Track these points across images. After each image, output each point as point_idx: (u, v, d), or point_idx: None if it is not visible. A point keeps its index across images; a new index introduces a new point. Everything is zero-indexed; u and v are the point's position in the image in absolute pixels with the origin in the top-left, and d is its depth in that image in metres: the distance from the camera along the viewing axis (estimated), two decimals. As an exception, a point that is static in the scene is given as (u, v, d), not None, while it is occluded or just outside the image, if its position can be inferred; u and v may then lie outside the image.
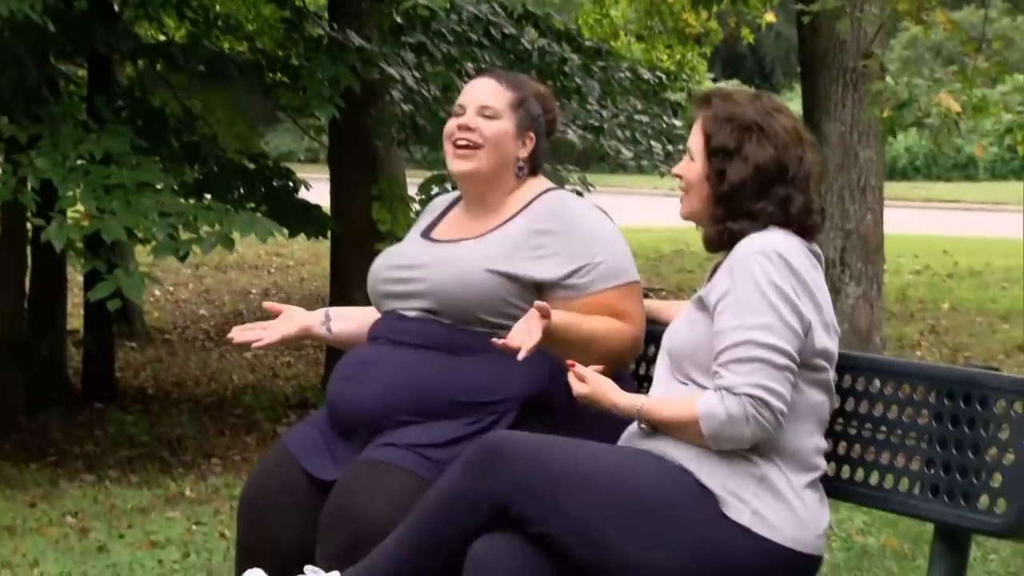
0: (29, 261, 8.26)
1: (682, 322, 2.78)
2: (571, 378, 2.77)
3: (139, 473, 6.92)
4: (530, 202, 3.02)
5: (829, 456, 2.78)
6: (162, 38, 9.69)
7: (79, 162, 6.34)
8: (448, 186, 7.16)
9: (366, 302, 3.19)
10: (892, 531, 5.09)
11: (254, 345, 3.12)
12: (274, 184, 8.25)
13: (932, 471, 2.68)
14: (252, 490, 2.98)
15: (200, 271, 14.44)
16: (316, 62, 7.21)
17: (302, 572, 2.80)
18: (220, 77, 8.31)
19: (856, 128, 7.97)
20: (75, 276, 10.10)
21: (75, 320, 9.71)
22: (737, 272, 2.65)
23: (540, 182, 3.09)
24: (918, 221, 17.95)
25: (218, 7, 9.19)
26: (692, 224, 2.85)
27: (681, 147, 8.69)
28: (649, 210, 17.45)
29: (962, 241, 16.34)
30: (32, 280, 8.47)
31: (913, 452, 2.72)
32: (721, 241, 2.75)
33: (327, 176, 8.69)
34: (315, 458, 2.94)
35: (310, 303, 9.23)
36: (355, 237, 8.17)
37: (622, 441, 2.79)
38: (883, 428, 2.77)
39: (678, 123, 9.52)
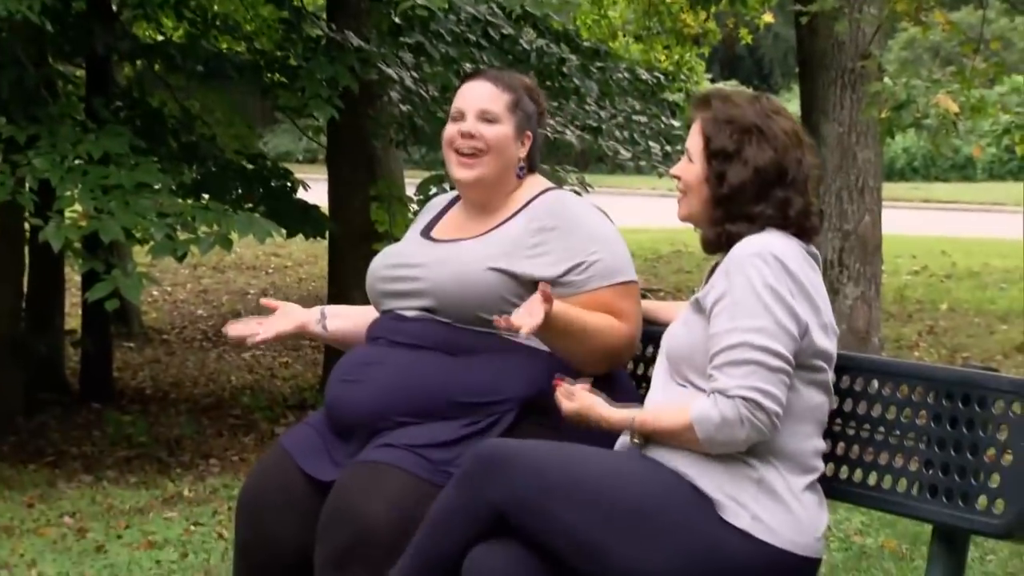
0: (27, 261, 8.26)
1: (680, 324, 2.78)
2: (558, 396, 2.76)
3: (137, 473, 6.92)
4: (529, 201, 3.02)
5: (827, 457, 2.78)
6: (160, 38, 9.69)
7: (77, 162, 6.34)
8: (446, 186, 7.16)
9: (364, 302, 3.19)
10: (890, 532, 5.09)
11: (249, 341, 3.12)
12: (272, 184, 8.25)
13: (930, 472, 2.68)
14: (250, 491, 2.98)
15: (198, 271, 14.44)
16: (314, 62, 7.20)
17: (300, 572, 2.80)
18: (218, 77, 8.31)
19: (854, 129, 7.97)
20: (73, 276, 10.10)
21: (73, 320, 9.71)
22: (733, 274, 2.65)
23: (539, 181, 3.10)
24: (916, 222, 17.96)
25: (216, 7, 9.18)
26: (690, 225, 2.85)
27: (679, 148, 8.70)
28: (647, 211, 17.46)
29: (960, 242, 16.35)
30: (30, 280, 8.46)
31: (911, 453, 2.72)
32: (719, 243, 2.75)
33: (325, 176, 8.68)
34: (313, 459, 2.94)
35: (308, 303, 9.20)
36: (353, 238, 8.17)
37: (618, 446, 2.79)
38: (881, 429, 2.77)
39: (676, 124, 9.53)
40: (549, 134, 8.20)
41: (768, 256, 2.64)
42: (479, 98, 3.03)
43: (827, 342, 2.70)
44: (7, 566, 5.04)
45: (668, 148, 9.11)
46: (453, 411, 2.87)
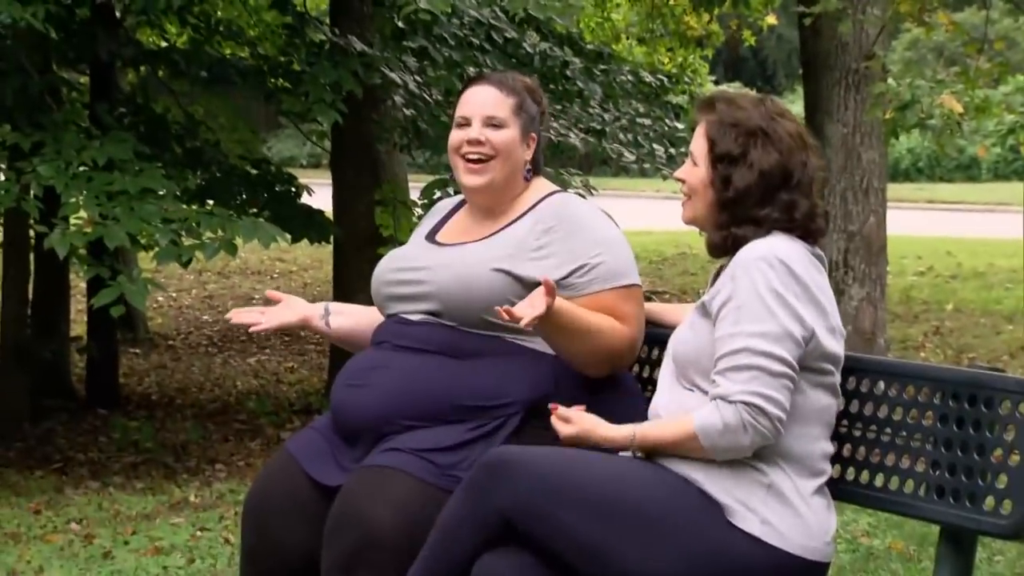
0: (32, 268, 8.27)
1: (686, 328, 2.77)
2: (555, 421, 2.75)
3: (144, 479, 6.92)
4: (535, 204, 3.02)
5: (834, 458, 2.78)
6: (164, 44, 9.70)
7: (82, 169, 6.34)
8: (450, 190, 7.16)
9: (369, 306, 3.19)
10: (898, 533, 5.09)
11: (252, 329, 3.13)
12: (276, 189, 8.25)
13: (937, 473, 2.67)
14: (256, 496, 2.98)
15: (203, 277, 14.45)
16: (318, 67, 7.20)
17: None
18: (222, 83, 8.31)
19: (859, 130, 7.97)
20: (78, 283, 10.12)
21: (78, 326, 9.71)
22: (739, 278, 2.65)
23: (544, 184, 3.10)
24: (921, 222, 17.94)
25: (220, 13, 9.19)
26: (694, 228, 2.84)
27: (683, 150, 8.68)
28: (651, 213, 17.46)
29: (965, 242, 16.33)
30: (35, 287, 8.47)
31: (918, 454, 2.72)
32: (725, 246, 2.75)
33: (329, 181, 8.69)
34: (319, 463, 2.94)
35: (313, 308, 9.19)
36: (358, 242, 8.17)
37: (623, 452, 2.79)
38: (888, 430, 2.77)
39: (680, 126, 9.52)
40: (553, 137, 8.20)
41: (774, 260, 2.64)
42: (484, 104, 3.03)
43: (834, 345, 2.70)
44: (15, 573, 5.05)
45: (672, 150, 9.11)
46: (458, 415, 2.86)
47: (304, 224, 7.87)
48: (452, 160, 3.07)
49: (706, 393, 2.68)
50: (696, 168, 2.78)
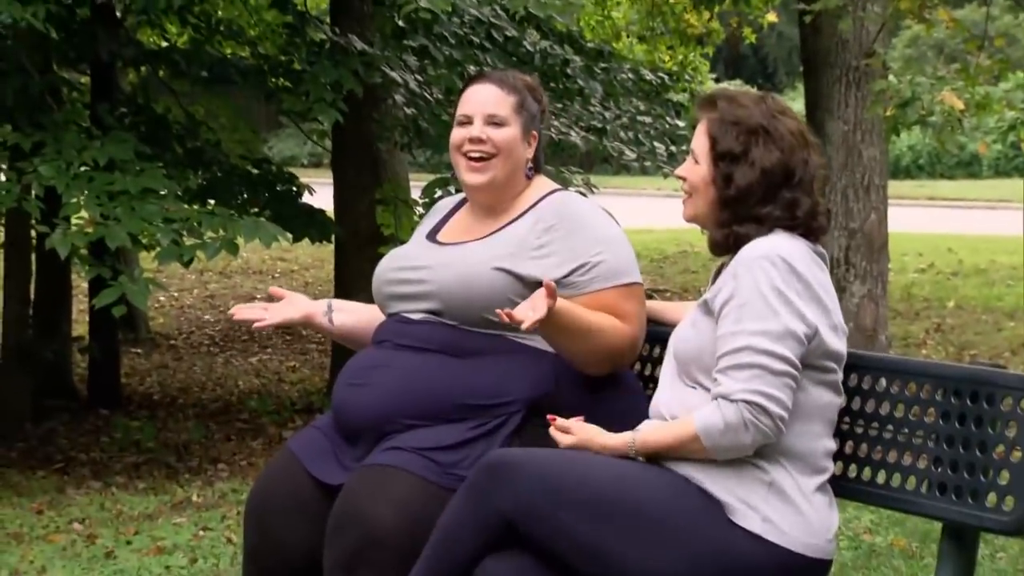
0: (34, 268, 8.27)
1: (688, 326, 2.77)
2: (554, 432, 2.75)
3: (146, 479, 6.92)
4: (536, 202, 3.02)
5: (836, 455, 2.78)
6: (164, 44, 9.70)
7: (83, 169, 6.34)
8: (452, 189, 7.16)
9: (371, 303, 3.19)
10: (900, 530, 5.09)
11: (255, 326, 3.12)
12: (278, 189, 8.25)
13: (939, 469, 2.67)
14: (258, 495, 2.98)
15: (205, 277, 14.46)
16: (319, 67, 7.20)
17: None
18: (223, 83, 8.31)
19: (859, 127, 7.97)
20: (80, 283, 10.13)
21: (80, 327, 9.72)
22: (741, 276, 2.65)
23: (545, 183, 3.10)
24: (922, 219, 17.94)
25: (220, 13, 9.19)
26: (696, 225, 2.84)
27: (684, 148, 8.69)
28: (653, 211, 17.46)
29: (967, 239, 16.32)
30: (37, 287, 8.48)
31: (920, 450, 2.72)
32: (727, 245, 2.75)
33: (330, 180, 8.69)
34: (321, 462, 2.94)
35: (315, 307, 9.18)
36: (359, 241, 8.17)
37: None
38: (890, 427, 2.77)
39: (681, 124, 9.52)
40: (554, 135, 8.20)
41: (776, 258, 2.64)
42: (485, 102, 3.03)
43: (837, 343, 2.70)
44: (17, 573, 5.05)
45: (673, 148, 9.10)
46: (460, 413, 2.87)
47: (305, 223, 7.88)
48: (453, 158, 3.07)
49: (708, 390, 2.68)
50: (697, 166, 2.78)
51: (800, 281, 2.64)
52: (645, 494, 2.62)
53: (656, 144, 9.09)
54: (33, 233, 7.78)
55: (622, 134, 8.98)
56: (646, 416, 2.81)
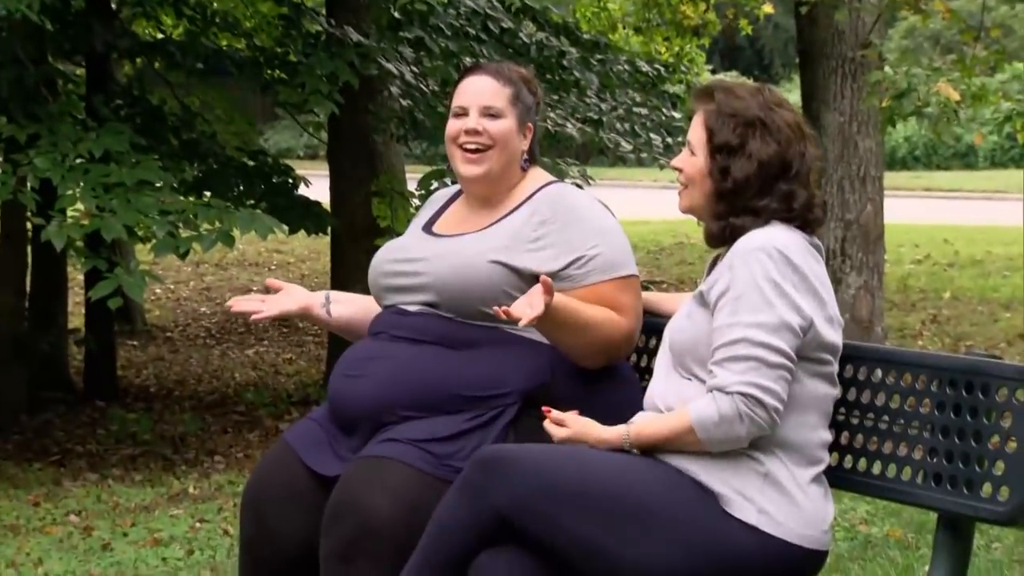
0: (30, 260, 8.27)
1: (683, 317, 2.77)
2: (548, 425, 2.75)
3: (142, 471, 6.92)
4: (532, 195, 3.02)
5: (832, 446, 2.78)
6: (160, 36, 9.69)
7: (78, 161, 6.34)
8: (448, 180, 7.15)
9: (368, 295, 3.19)
10: (895, 521, 5.10)
11: (252, 317, 3.12)
12: (273, 181, 8.24)
13: (935, 460, 2.68)
14: (254, 487, 2.98)
15: (201, 269, 14.45)
16: (314, 58, 7.20)
17: (305, 567, 2.80)
18: (218, 74, 8.30)
19: (855, 118, 7.97)
20: (76, 275, 10.11)
21: (76, 319, 9.72)
22: (737, 268, 2.65)
23: (541, 175, 3.10)
24: (918, 210, 17.95)
25: (216, 4, 9.18)
26: (692, 217, 2.84)
27: (680, 139, 8.69)
28: (649, 203, 17.45)
29: (963, 230, 16.34)
30: (33, 279, 8.47)
31: (915, 441, 2.72)
32: (723, 236, 2.74)
33: (326, 172, 8.68)
34: (317, 454, 2.94)
35: (311, 299, 9.16)
36: (355, 233, 8.17)
37: None
38: (885, 418, 2.77)
39: (677, 115, 9.51)
40: (550, 127, 8.20)
41: (772, 250, 2.64)
42: (481, 94, 3.03)
43: (833, 334, 2.70)
44: (14, 564, 5.05)
45: (669, 140, 9.10)
46: (456, 404, 2.87)
47: (301, 215, 7.87)
48: (449, 150, 3.06)
49: (703, 382, 2.68)
50: (694, 158, 2.78)
51: (796, 273, 2.65)
52: (640, 487, 2.62)
53: (652, 136, 9.08)
54: (29, 225, 7.78)
55: (618, 125, 8.98)
56: (642, 407, 2.81)
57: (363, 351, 2.99)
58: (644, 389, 2.87)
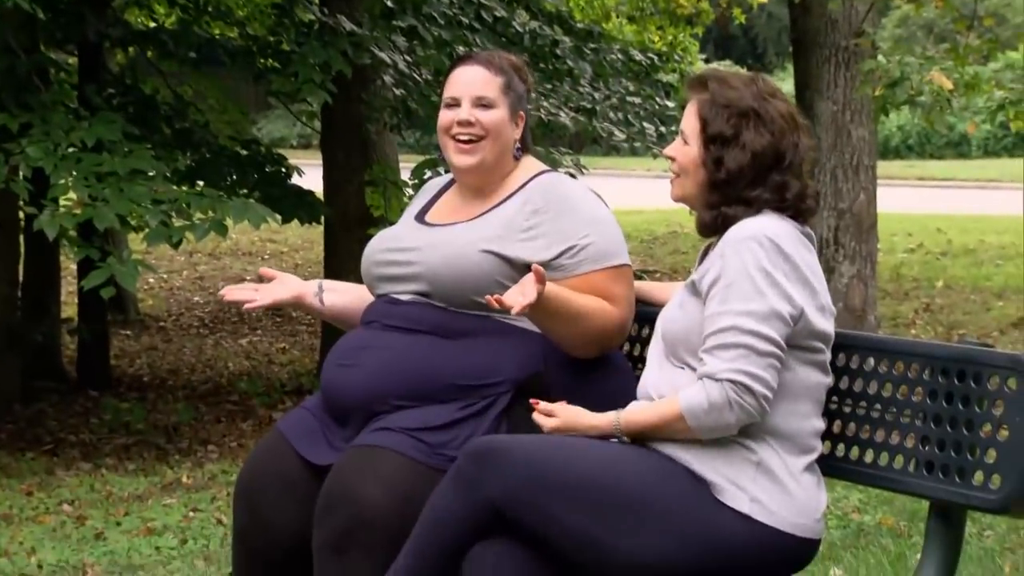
0: (22, 250, 8.25)
1: (675, 307, 2.78)
2: (537, 416, 2.75)
3: (135, 460, 6.92)
4: (524, 184, 3.02)
5: (825, 435, 2.79)
6: (152, 25, 9.66)
7: (70, 150, 6.32)
8: (441, 170, 7.14)
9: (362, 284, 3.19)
10: (888, 509, 5.11)
11: (245, 306, 3.12)
12: (267, 170, 8.23)
13: (927, 448, 2.68)
14: (247, 476, 2.98)
15: (194, 258, 14.43)
16: (307, 47, 7.18)
17: (298, 557, 2.80)
18: (211, 63, 8.29)
19: (848, 107, 7.97)
20: (68, 264, 10.10)
21: (69, 308, 9.70)
22: (728, 257, 2.65)
23: (533, 164, 3.09)
24: (912, 199, 17.97)
25: (208, -7, 9.15)
26: (684, 205, 2.84)
27: (674, 128, 8.68)
28: (643, 192, 17.45)
29: (956, 219, 16.35)
30: (25, 269, 8.46)
31: (908, 430, 2.73)
32: (715, 226, 2.75)
33: (320, 161, 8.67)
34: (310, 443, 2.94)
35: (304, 289, 9.15)
36: (348, 222, 8.16)
37: None
38: (878, 406, 2.77)
39: (671, 104, 9.51)
40: (544, 116, 8.19)
41: (763, 239, 2.64)
42: (473, 84, 3.03)
43: (824, 323, 2.70)
44: (7, 554, 5.05)
45: (663, 129, 9.10)
46: (449, 394, 2.87)
47: (294, 205, 7.86)
48: (441, 140, 3.06)
49: (696, 371, 2.68)
50: (687, 147, 2.78)
51: (787, 262, 2.65)
52: (632, 478, 2.62)
53: (646, 125, 9.08)
54: (21, 215, 7.76)
55: (612, 115, 8.97)
56: (635, 396, 2.81)
57: (356, 340, 2.99)
58: (637, 378, 2.87)
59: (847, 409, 2.82)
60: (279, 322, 11.26)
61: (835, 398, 2.83)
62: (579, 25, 9.63)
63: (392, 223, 3.44)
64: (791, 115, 2.76)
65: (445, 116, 3.04)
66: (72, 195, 6.24)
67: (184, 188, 6.90)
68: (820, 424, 2.74)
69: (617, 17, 13.73)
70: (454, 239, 2.95)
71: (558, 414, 2.74)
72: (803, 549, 2.67)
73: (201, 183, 7.51)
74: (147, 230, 6.25)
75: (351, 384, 2.91)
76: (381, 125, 8.48)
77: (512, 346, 2.90)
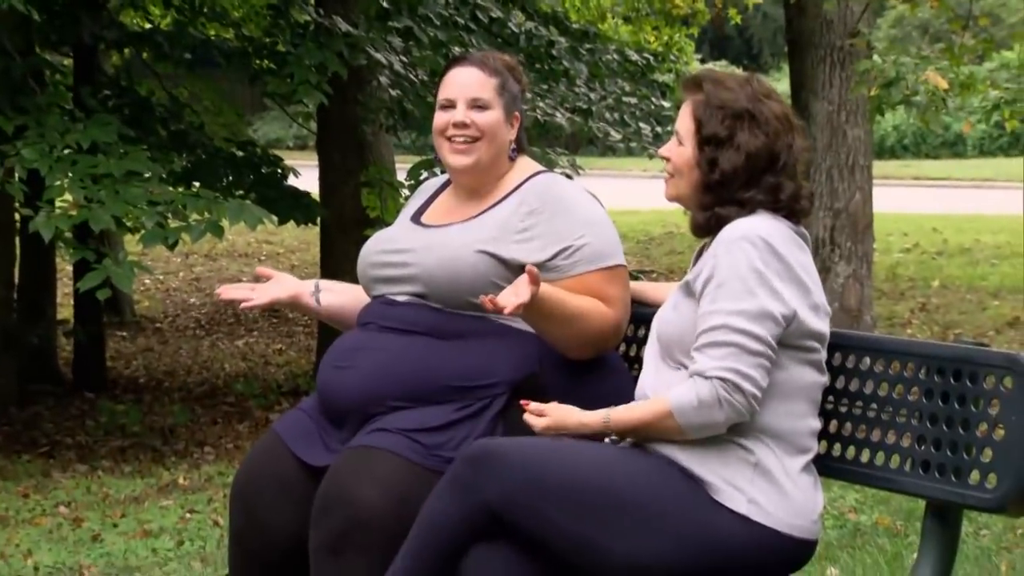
0: (18, 251, 8.25)
1: (670, 308, 2.78)
2: (528, 417, 2.75)
3: (132, 462, 6.92)
4: (520, 184, 3.02)
5: (821, 435, 2.79)
6: (148, 26, 9.66)
7: (66, 152, 6.32)
8: (437, 170, 7.14)
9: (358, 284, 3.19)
10: (884, 508, 5.11)
11: (242, 306, 3.11)
12: (263, 171, 8.23)
13: (923, 448, 2.69)
14: (243, 477, 2.98)
15: (190, 260, 14.43)
16: (303, 48, 7.18)
17: (295, 558, 2.80)
18: (206, 65, 8.29)
19: (844, 107, 7.97)
20: (64, 266, 10.09)
21: (65, 310, 9.69)
22: (720, 257, 2.66)
23: (529, 164, 3.09)
24: (907, 199, 17.97)
25: (204, -6, 9.15)
26: (679, 205, 2.85)
27: (669, 129, 8.67)
28: (639, 192, 17.44)
29: (951, 219, 16.37)
30: (21, 271, 8.45)
31: (904, 429, 2.73)
32: (708, 226, 2.75)
33: (316, 163, 8.67)
34: (306, 444, 2.94)
35: (300, 290, 9.14)
36: (345, 223, 8.16)
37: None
38: (874, 406, 2.78)
39: (666, 104, 9.52)
40: (539, 117, 8.19)
41: (755, 239, 2.64)
42: (468, 85, 3.02)
43: (818, 323, 2.70)
44: (3, 556, 5.05)
45: (659, 129, 9.10)
46: (445, 395, 2.87)
47: (291, 206, 7.86)
48: (437, 142, 3.06)
49: (691, 371, 2.68)
50: (682, 148, 2.78)
51: (780, 261, 2.65)
52: (628, 480, 2.62)
53: (642, 125, 9.09)
54: (17, 216, 7.76)
55: (607, 115, 8.97)
56: (631, 397, 2.81)
57: (351, 342, 2.99)
58: (634, 379, 2.87)
59: (843, 409, 2.83)
60: (275, 323, 11.26)
61: (831, 398, 2.83)
62: (575, 26, 9.64)
63: (388, 224, 3.44)
64: (786, 116, 2.76)
65: (440, 118, 3.04)
66: (68, 197, 6.24)
67: (180, 189, 6.89)
68: (816, 424, 2.74)
69: (613, 17, 13.74)
70: (450, 240, 2.95)
71: (548, 413, 2.74)
72: (800, 550, 2.67)
73: (197, 184, 7.51)
74: (143, 232, 6.25)
75: (347, 386, 2.91)
76: (377, 126, 8.48)
77: (508, 347, 2.90)
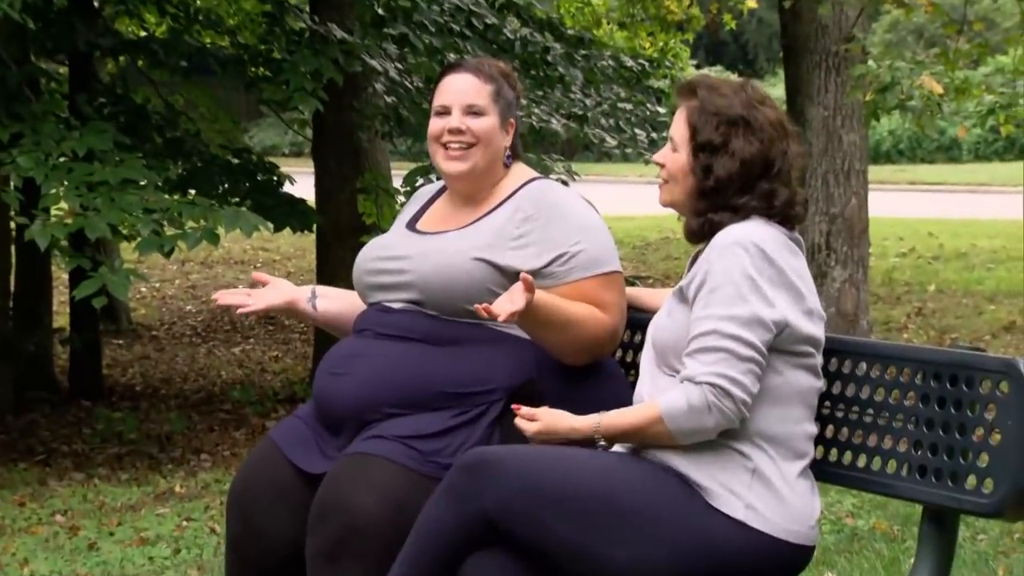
0: (14, 260, 8.24)
1: (664, 315, 2.78)
2: (519, 422, 2.74)
3: (128, 470, 6.91)
4: (515, 191, 3.02)
5: (818, 440, 2.79)
6: (143, 34, 9.66)
7: (62, 160, 6.31)
8: (432, 177, 7.14)
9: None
10: (881, 513, 5.11)
11: (239, 311, 3.11)
12: (258, 179, 8.22)
13: (920, 453, 2.68)
14: (240, 485, 2.98)
15: (186, 267, 14.42)
16: (298, 56, 7.18)
17: (292, 565, 2.79)
18: (202, 72, 8.28)
19: (839, 112, 7.98)
20: (60, 274, 10.08)
21: (61, 318, 9.69)
22: (714, 262, 2.66)
23: (524, 171, 3.09)
24: (903, 204, 17.99)
25: (199, 2, 9.15)
26: (674, 211, 2.85)
27: (665, 134, 8.68)
28: (634, 198, 17.45)
29: (947, 223, 16.38)
30: (17, 279, 8.44)
31: (900, 434, 2.73)
32: (702, 232, 2.75)
33: (312, 170, 8.67)
34: (303, 452, 2.94)
35: (297, 297, 9.14)
36: (340, 230, 8.16)
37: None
38: (870, 411, 2.78)
39: (662, 110, 9.52)
40: (535, 123, 8.19)
41: (748, 244, 2.64)
42: (463, 92, 3.03)
43: (813, 328, 2.70)
44: (-1, 565, 5.04)
45: (654, 135, 9.11)
46: (441, 402, 2.86)
47: (286, 213, 7.86)
48: (432, 149, 3.06)
49: (685, 377, 2.68)
50: (676, 154, 2.78)
51: (772, 267, 2.65)
52: (626, 487, 2.62)
53: (637, 131, 9.09)
54: (12, 225, 7.75)
55: (603, 121, 8.98)
56: (628, 403, 2.80)
57: (348, 349, 2.99)
58: (632, 384, 2.87)
59: (840, 414, 2.82)
60: (272, 331, 11.25)
61: (828, 403, 2.83)
62: (570, 32, 9.65)
63: (384, 231, 3.44)
64: (780, 122, 2.76)
65: (435, 124, 3.04)
66: (63, 205, 6.23)
67: (176, 197, 6.89)
68: (813, 428, 2.74)
69: (608, 23, 13.75)
70: (445, 247, 2.95)
71: (539, 418, 2.74)
72: (797, 556, 2.67)
73: (193, 192, 7.51)
74: (139, 239, 6.25)
75: (343, 393, 2.91)
76: (373, 133, 8.48)
77: (504, 354, 2.89)
